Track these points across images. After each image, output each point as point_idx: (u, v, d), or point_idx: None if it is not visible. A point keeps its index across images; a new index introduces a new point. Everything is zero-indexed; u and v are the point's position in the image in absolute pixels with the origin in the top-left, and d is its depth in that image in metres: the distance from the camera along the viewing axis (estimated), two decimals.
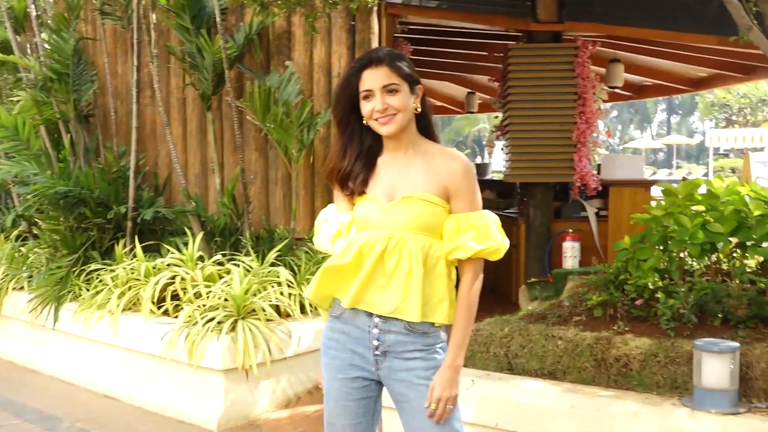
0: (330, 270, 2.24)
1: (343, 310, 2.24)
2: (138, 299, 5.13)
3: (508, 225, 7.51)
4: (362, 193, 2.25)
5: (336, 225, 2.33)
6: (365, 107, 2.21)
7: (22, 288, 6.02)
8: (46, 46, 6.52)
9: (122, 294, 5.14)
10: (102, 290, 5.28)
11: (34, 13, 6.73)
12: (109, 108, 6.70)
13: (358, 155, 2.26)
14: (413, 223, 2.17)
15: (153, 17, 5.93)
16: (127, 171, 6.12)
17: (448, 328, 2.26)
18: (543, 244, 6.59)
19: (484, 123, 32.06)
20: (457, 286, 2.25)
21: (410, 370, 2.19)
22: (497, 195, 9.17)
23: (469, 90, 11.11)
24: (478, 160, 32.52)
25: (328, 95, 5.80)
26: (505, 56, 6.90)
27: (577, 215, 6.91)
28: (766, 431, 2.88)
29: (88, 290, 5.41)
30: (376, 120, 2.19)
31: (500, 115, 7.86)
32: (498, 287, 7.69)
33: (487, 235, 2.18)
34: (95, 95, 6.83)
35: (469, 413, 3.38)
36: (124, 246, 5.73)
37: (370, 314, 2.20)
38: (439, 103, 12.51)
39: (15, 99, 6.54)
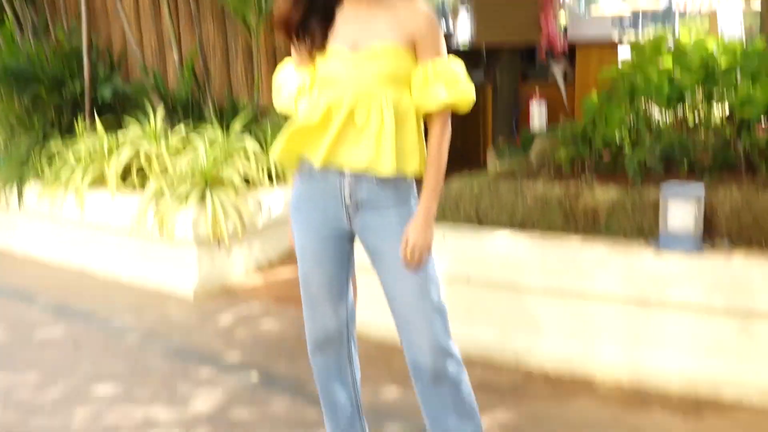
0: (298, 131, 2.20)
1: (313, 168, 2.23)
2: (103, 175, 5.09)
3: (476, 90, 7.53)
4: (323, 46, 2.18)
5: (297, 83, 2.28)
6: None
7: None
8: None
9: (86, 170, 5.09)
10: (65, 167, 5.22)
11: None
12: None
13: (309, 6, 2.17)
14: (381, 76, 2.12)
15: None
16: (80, 48, 5.92)
17: (418, 183, 2.29)
18: (510, 107, 6.61)
19: None
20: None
21: (383, 222, 2.21)
22: (465, 62, 9.06)
23: None
24: (443, 30, 31.85)
25: None
26: None
27: (545, 78, 6.89)
28: (727, 267, 3.01)
29: (51, 169, 5.34)
30: None
31: None
32: (466, 153, 7.73)
33: (455, 84, 2.15)
34: None
35: (442, 268, 3.48)
36: (84, 123, 5.62)
37: (341, 171, 2.19)
38: None
39: None
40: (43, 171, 5.42)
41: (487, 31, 6.49)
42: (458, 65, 2.20)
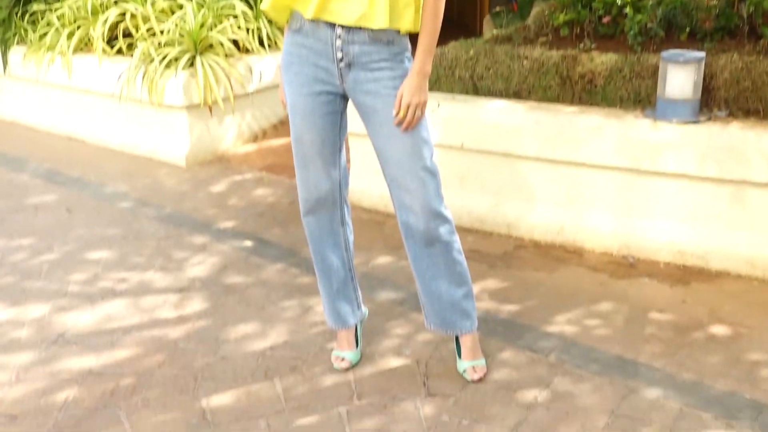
0: None
1: (303, 22, 2.15)
2: (89, 39, 4.94)
3: None
4: None
5: None
6: None
7: None
8: None
9: (71, 34, 4.93)
10: (49, 31, 5.05)
11: None
12: None
13: None
14: None
15: None
16: None
17: (413, 39, 2.21)
18: None
19: None
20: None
21: (377, 81, 2.16)
22: None
23: None
24: None
25: None
26: None
27: None
28: (723, 136, 2.97)
29: (34, 32, 5.17)
30: None
31: None
32: (461, 19, 7.52)
33: None
34: None
35: (436, 134, 3.44)
36: None
37: (332, 25, 2.11)
38: None
39: None
40: (26, 34, 5.24)
41: None
42: None
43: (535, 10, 4.43)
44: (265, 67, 4.78)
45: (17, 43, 5.33)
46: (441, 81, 3.76)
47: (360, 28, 2.10)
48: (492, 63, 3.65)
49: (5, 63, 5.33)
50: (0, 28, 5.29)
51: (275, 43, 4.88)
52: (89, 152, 4.82)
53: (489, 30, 5.46)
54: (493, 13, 5.81)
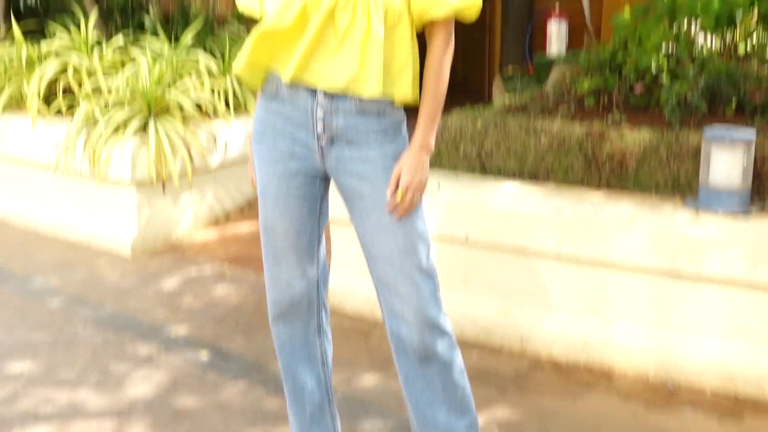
0: (267, 35, 2.11)
1: (280, 86, 2.17)
2: (21, 96, 4.98)
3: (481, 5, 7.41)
4: None
5: None
6: None
7: None
8: None
9: (1, 90, 4.98)
10: None
11: None
12: None
13: None
14: None
15: None
16: None
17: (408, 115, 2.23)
18: (523, 25, 6.51)
19: None
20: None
21: (364, 160, 2.16)
22: None
23: None
24: None
25: None
26: None
27: None
28: None
29: None
30: None
31: None
32: (468, 80, 7.67)
33: None
34: None
35: (435, 224, 3.44)
36: None
37: (313, 91, 2.12)
38: None
39: None
40: None
41: None
42: None
43: (554, 74, 4.51)
44: (232, 135, 4.81)
45: None
46: (443, 157, 3.79)
47: (345, 96, 2.12)
48: (503, 137, 3.68)
49: None
50: None
51: (245, 106, 4.93)
52: (15, 236, 4.81)
53: (499, 95, 5.55)
54: (504, 74, 5.92)
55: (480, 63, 7.28)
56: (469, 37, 7.69)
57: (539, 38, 6.48)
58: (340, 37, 2.06)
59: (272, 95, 2.19)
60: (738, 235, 3.03)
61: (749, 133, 3.17)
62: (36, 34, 5.45)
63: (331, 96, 2.11)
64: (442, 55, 2.15)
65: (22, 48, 5.08)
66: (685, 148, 3.37)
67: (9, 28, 5.38)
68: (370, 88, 2.07)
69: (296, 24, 2.07)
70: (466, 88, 7.58)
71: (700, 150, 3.27)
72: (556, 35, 6.15)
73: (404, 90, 2.13)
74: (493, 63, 6.79)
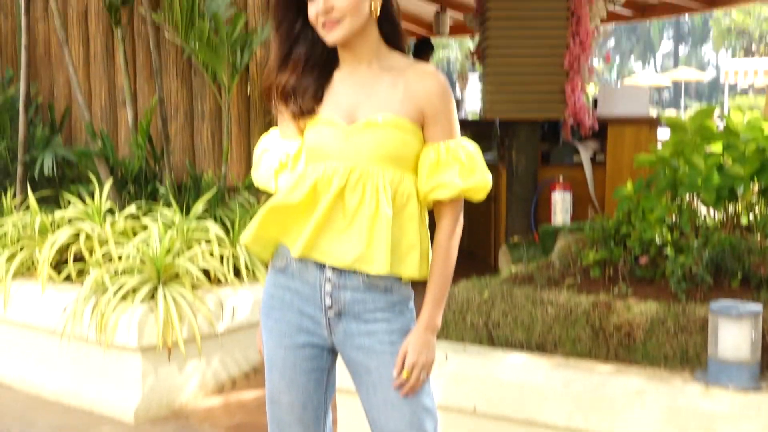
0: (276, 210, 2.19)
1: (289, 261, 2.22)
2: (33, 262, 5.05)
3: None
4: (313, 112, 2.20)
5: (280, 156, 2.30)
6: (310, 11, 2.15)
7: None
8: None
9: (12, 256, 5.05)
10: None
11: None
12: None
13: (307, 65, 2.21)
14: (380, 153, 2.13)
15: None
16: (15, 102, 5.96)
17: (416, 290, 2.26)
18: (528, 195, 6.64)
19: (456, 50, 31.98)
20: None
21: (371, 334, 2.19)
22: (472, 137, 9.14)
23: (439, 7, 11.04)
24: None
25: (266, 7, 5.70)
26: None
27: (569, 160, 6.96)
28: None
29: None
30: (322, 26, 2.13)
31: (477, 37, 7.82)
32: (474, 249, 7.75)
33: (472, 169, 2.17)
34: None
35: (442, 395, 3.41)
36: (14, 196, 5.61)
37: (322, 266, 2.17)
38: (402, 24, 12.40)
39: None
40: None
41: (501, 104, 6.57)
42: (474, 146, 2.22)
43: (559, 244, 4.57)
44: (240, 301, 4.84)
45: None
46: (449, 328, 3.79)
47: (354, 272, 2.16)
48: (510, 308, 3.70)
49: None
50: None
51: (253, 273, 4.98)
52: (18, 401, 4.75)
53: (506, 264, 5.61)
54: (510, 243, 6.00)
55: (486, 232, 7.38)
56: (474, 207, 7.78)
57: (544, 209, 6.61)
58: (349, 217, 2.13)
59: (281, 269, 2.25)
60: (749, 411, 3.00)
61: (755, 307, 3.19)
62: (51, 202, 5.58)
63: (339, 271, 2.16)
64: (450, 234, 2.22)
65: (36, 216, 5.19)
66: (693, 320, 3.39)
67: (25, 197, 5.50)
68: (377, 266, 2.12)
69: (306, 201, 2.15)
70: (472, 257, 7.66)
71: (707, 322, 3.28)
72: (561, 206, 6.27)
73: (411, 268, 2.18)
74: (499, 232, 6.88)
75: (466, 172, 2.16)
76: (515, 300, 3.72)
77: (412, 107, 2.15)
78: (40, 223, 5.14)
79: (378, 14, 2.18)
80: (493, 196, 7.15)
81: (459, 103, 11.70)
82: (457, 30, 11.94)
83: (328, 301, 2.18)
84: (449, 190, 2.15)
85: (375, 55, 2.21)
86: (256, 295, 4.88)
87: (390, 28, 2.23)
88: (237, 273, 4.98)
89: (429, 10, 11.47)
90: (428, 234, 2.24)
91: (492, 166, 7.33)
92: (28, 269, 5.07)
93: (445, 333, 3.75)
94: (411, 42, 10.55)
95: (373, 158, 2.13)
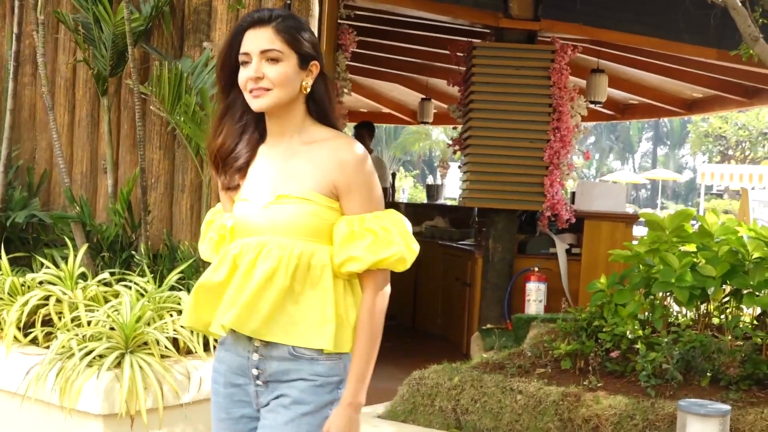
0: (203, 289, 2.23)
1: (227, 335, 2.24)
2: (0, 323, 4.99)
3: (462, 259, 7.67)
4: (237, 188, 2.27)
5: (218, 229, 2.36)
6: (241, 75, 2.20)
7: None
8: None
9: None
10: None
11: None
12: None
13: (238, 134, 2.26)
14: (292, 226, 2.16)
15: None
16: None
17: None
18: (503, 283, 6.68)
19: (437, 137, 32.42)
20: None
21: (294, 407, 2.16)
22: (450, 223, 9.26)
23: (424, 96, 11.24)
24: (429, 180, 32.83)
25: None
26: (468, 56, 7.03)
27: (545, 251, 7.02)
28: None
29: None
30: (249, 92, 2.19)
31: (459, 127, 7.97)
32: (447, 334, 7.74)
33: (386, 242, 2.17)
34: None
35: None
36: None
37: (251, 337, 2.18)
38: (386, 110, 12.61)
39: None
40: None
41: (480, 192, 6.66)
42: (395, 217, 2.22)
43: (532, 333, 4.60)
44: (208, 373, 4.79)
45: None
46: (417, 411, 3.79)
47: (278, 343, 2.17)
48: (480, 395, 3.71)
49: None
50: None
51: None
52: None
53: (477, 350, 5.62)
54: (483, 329, 6.01)
55: (459, 317, 7.39)
56: (449, 291, 7.86)
57: (518, 297, 6.64)
58: (261, 288, 2.14)
59: (221, 342, 2.29)
60: None
61: (723, 407, 3.22)
62: (23, 264, 5.54)
63: (265, 342, 2.17)
64: (371, 308, 2.21)
65: (8, 277, 5.15)
66: (661, 416, 3.41)
67: None
68: (294, 338, 2.14)
69: (228, 278, 2.19)
70: (444, 340, 7.65)
71: (675, 419, 3.30)
72: (535, 296, 6.31)
73: (326, 341, 2.15)
74: (473, 318, 6.89)
75: (380, 244, 2.16)
76: (485, 387, 3.73)
77: (325, 180, 2.19)
78: (10, 284, 5.11)
79: (308, 92, 2.24)
80: (468, 283, 7.19)
81: (440, 188, 11.82)
82: (440, 119, 12.14)
83: (255, 372, 2.20)
84: (360, 263, 2.16)
85: (298, 130, 2.25)
86: None
87: (316, 107, 2.28)
88: (206, 345, 4.94)
89: (414, 98, 11.68)
90: (354, 306, 2.22)
91: (468, 253, 7.44)
92: None
93: (413, 416, 3.74)
94: (351, 126, 10.80)
95: (285, 231, 2.16)
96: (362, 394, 2.18)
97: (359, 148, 2.24)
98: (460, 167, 7.81)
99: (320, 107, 2.28)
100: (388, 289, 2.25)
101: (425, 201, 13.82)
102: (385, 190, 8.88)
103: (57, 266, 5.23)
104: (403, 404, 3.84)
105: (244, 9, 5.61)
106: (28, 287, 5.09)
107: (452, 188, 13.50)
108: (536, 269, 6.44)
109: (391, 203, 11.13)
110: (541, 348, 4.17)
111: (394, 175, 14.09)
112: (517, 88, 6.64)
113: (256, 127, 2.27)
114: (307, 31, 2.24)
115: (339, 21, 6.48)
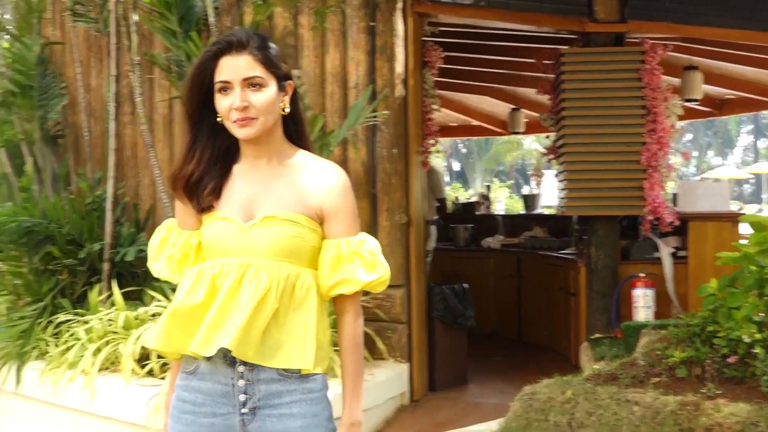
0: (179, 312, 2.16)
1: (198, 363, 2.19)
2: (117, 357, 5.16)
3: (564, 268, 7.60)
4: (211, 208, 2.23)
5: (181, 247, 2.31)
6: (221, 103, 2.19)
7: None
8: (7, 54, 6.67)
9: (98, 350, 5.18)
10: (74, 345, 5.32)
11: None
12: (81, 127, 6.82)
13: (208, 159, 2.24)
14: (276, 248, 2.15)
15: (134, 18, 6.05)
16: (103, 202, 6.20)
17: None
18: (609, 291, 6.57)
19: (530, 146, 32.13)
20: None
21: (283, 419, 2.15)
22: (549, 232, 9.18)
23: (514, 106, 11.18)
24: (525, 190, 32.55)
25: (343, 110, 5.88)
26: (556, 63, 6.96)
27: (650, 256, 6.89)
28: None
29: (57, 346, 5.45)
30: (234, 121, 2.18)
31: (552, 135, 7.89)
32: (553, 345, 7.67)
33: (373, 264, 2.21)
34: (65, 112, 6.96)
35: None
36: (100, 292, 5.78)
37: (232, 363, 2.14)
38: (476, 123, 12.59)
39: None
40: (48, 347, 5.52)
41: (579, 200, 6.59)
42: (373, 241, 2.26)
43: (643, 342, 4.52)
44: None
45: (36, 357, 5.59)
46: (532, 427, 3.76)
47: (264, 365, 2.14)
48: (594, 408, 3.66)
49: (18, 380, 5.55)
50: (18, 342, 5.60)
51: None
52: None
53: (587, 361, 5.54)
54: (592, 339, 5.93)
55: (566, 328, 7.31)
56: (553, 302, 7.79)
57: (625, 305, 6.52)
58: (246, 308, 2.10)
59: (191, 372, 2.21)
60: None
61: None
62: (135, 298, 5.72)
63: (251, 365, 2.14)
64: (355, 329, 2.25)
65: (122, 312, 5.33)
66: None
67: (111, 293, 5.65)
68: (279, 360, 2.12)
69: (207, 300, 2.15)
70: (551, 351, 7.58)
71: None
72: (643, 302, 6.18)
73: (307, 361, 2.14)
74: (580, 328, 6.79)
75: (368, 267, 2.20)
76: (599, 399, 3.69)
77: (308, 204, 2.20)
78: (124, 319, 5.28)
79: (286, 113, 2.25)
80: (572, 293, 7.10)
81: (535, 198, 11.71)
82: (531, 128, 12.04)
83: (242, 398, 2.15)
84: (352, 285, 2.19)
85: (276, 152, 2.26)
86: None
87: (294, 126, 2.30)
88: None
89: (503, 109, 11.63)
90: (328, 326, 2.25)
91: (571, 262, 7.35)
92: (112, 363, 5.19)
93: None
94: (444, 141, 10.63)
95: (269, 253, 2.15)
96: (359, 410, 2.22)
97: (342, 172, 2.28)
98: (555, 175, 7.74)
99: (298, 126, 2.31)
100: (361, 309, 2.29)
101: (521, 211, 13.73)
102: (441, 200, 8.91)
103: (167, 298, 5.38)
104: (516, 420, 3.82)
105: (326, 28, 5.73)
106: (141, 320, 5.26)
107: (548, 197, 13.38)
108: (642, 275, 6.31)
109: (486, 215, 11.10)
110: (654, 356, 4.09)
111: (488, 187, 14.06)
112: (609, 92, 6.54)
113: (229, 147, 2.26)
114: (276, 49, 2.23)
115: (423, 38, 6.51)
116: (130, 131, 6.74)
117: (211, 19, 5.62)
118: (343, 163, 5.88)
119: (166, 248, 2.33)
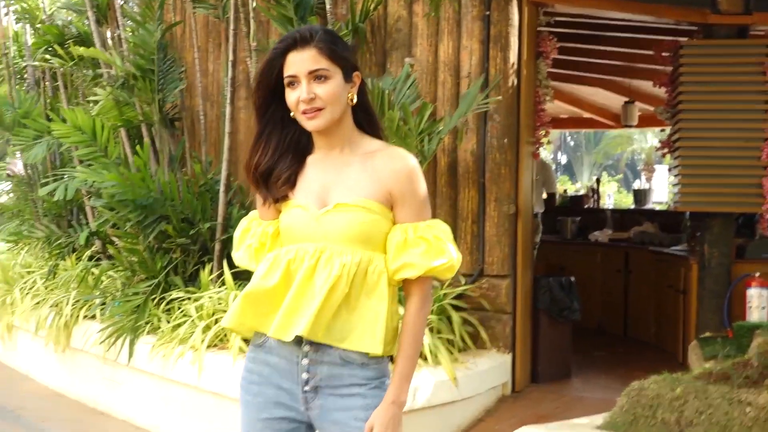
0: (254, 295, 2.27)
1: (267, 336, 2.27)
2: (226, 334, 5.28)
3: (675, 265, 7.40)
4: (286, 197, 2.30)
5: (259, 236, 2.39)
6: (290, 96, 2.26)
7: (93, 316, 6.30)
8: (129, 39, 6.87)
9: (208, 327, 5.30)
10: (184, 322, 5.46)
11: (119, 2, 7.10)
12: (197, 111, 6.99)
13: (280, 150, 2.32)
14: (349, 234, 2.21)
15: (252, 4, 6.16)
16: (216, 184, 6.34)
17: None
18: (721, 290, 6.37)
19: (641, 142, 31.42)
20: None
21: (347, 410, 2.23)
22: (660, 228, 8.96)
23: (627, 99, 10.94)
24: (636, 185, 31.86)
25: (455, 99, 5.86)
26: (675, 55, 6.77)
27: (767, 255, 6.65)
28: None
29: (168, 322, 5.61)
30: (303, 113, 2.24)
31: (667, 129, 7.69)
32: (660, 343, 7.50)
33: (439, 250, 2.22)
34: (182, 96, 7.13)
35: None
36: (211, 271, 5.92)
37: (299, 341, 2.22)
38: (588, 115, 12.38)
39: (93, 99, 6.89)
40: (159, 323, 5.68)
41: (694, 196, 6.41)
42: (444, 227, 2.27)
43: (757, 342, 4.38)
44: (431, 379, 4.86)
45: (148, 332, 5.77)
46: (639, 423, 3.69)
47: (330, 347, 2.21)
48: (705, 407, 3.57)
49: (131, 353, 5.74)
50: (132, 317, 5.78)
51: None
52: None
53: (697, 360, 5.39)
54: (702, 338, 5.77)
55: (674, 325, 7.13)
56: (662, 299, 7.61)
57: (738, 304, 6.33)
58: (320, 294, 2.18)
59: (260, 344, 2.32)
60: None
61: None
62: (245, 278, 5.81)
63: (316, 346, 2.22)
64: (418, 312, 2.25)
65: (231, 291, 5.45)
66: None
67: (221, 273, 5.78)
68: (349, 343, 2.19)
69: (282, 283, 2.23)
70: (658, 348, 7.42)
71: None
72: (757, 302, 5.97)
73: (377, 345, 2.19)
74: (689, 326, 6.62)
75: (433, 252, 2.21)
76: (710, 398, 3.59)
77: (380, 189, 2.24)
78: (234, 298, 5.39)
79: (354, 103, 2.29)
80: (683, 290, 6.93)
81: (646, 193, 11.44)
82: (644, 122, 11.77)
83: (304, 376, 2.24)
84: (416, 269, 2.20)
85: (348, 141, 2.31)
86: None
87: (364, 116, 2.35)
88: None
89: (617, 102, 11.40)
90: (398, 312, 2.28)
91: (682, 259, 7.16)
92: (221, 340, 5.31)
93: (634, 427, 3.65)
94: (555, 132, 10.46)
95: (342, 239, 2.21)
96: (406, 392, 2.23)
97: (412, 158, 2.30)
98: (669, 170, 7.54)
99: (367, 115, 2.36)
100: (431, 296, 2.32)
101: (631, 206, 13.44)
102: (551, 195, 8.69)
103: None
104: (623, 415, 3.75)
105: (437, 16, 5.71)
106: None
107: (659, 192, 13.06)
108: (758, 275, 6.10)
109: (595, 209, 10.91)
110: None
111: (598, 181, 13.82)
112: (729, 86, 6.33)
113: (300, 139, 2.33)
114: (343, 43, 2.30)
115: (539, 28, 6.43)
116: (245, 115, 6.87)
117: (328, 6, 5.67)
118: (453, 152, 5.87)
119: (247, 238, 2.44)
